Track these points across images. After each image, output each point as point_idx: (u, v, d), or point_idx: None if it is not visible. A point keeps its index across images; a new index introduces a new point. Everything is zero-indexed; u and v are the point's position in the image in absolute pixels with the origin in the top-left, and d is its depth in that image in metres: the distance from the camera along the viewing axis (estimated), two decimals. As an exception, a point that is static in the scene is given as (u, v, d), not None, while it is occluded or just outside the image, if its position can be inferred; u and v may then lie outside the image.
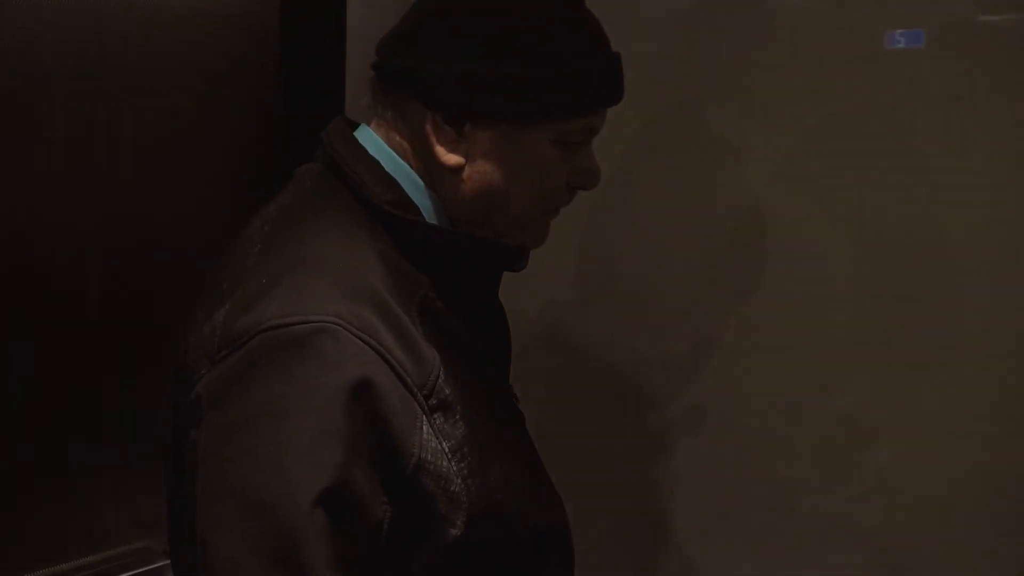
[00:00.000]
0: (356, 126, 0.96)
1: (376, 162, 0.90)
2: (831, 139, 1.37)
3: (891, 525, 1.38)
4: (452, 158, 0.89)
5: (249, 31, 1.60)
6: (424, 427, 0.80)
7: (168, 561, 1.58)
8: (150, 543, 1.61)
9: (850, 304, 1.38)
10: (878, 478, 1.38)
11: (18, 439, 1.43)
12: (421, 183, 0.92)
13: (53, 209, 1.42)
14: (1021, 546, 1.28)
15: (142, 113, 1.49)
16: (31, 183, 1.39)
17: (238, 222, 0.98)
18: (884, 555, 1.39)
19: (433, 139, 0.88)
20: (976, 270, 1.28)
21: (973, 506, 1.31)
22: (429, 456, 0.79)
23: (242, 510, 0.73)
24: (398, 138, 0.92)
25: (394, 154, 0.91)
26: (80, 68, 1.41)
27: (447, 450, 0.81)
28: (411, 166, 0.92)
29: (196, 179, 1.59)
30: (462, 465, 0.82)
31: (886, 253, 1.35)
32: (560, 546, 0.99)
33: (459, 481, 0.81)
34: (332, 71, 1.62)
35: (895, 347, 1.36)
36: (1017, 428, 1.27)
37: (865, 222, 1.35)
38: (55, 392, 1.47)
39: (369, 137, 0.93)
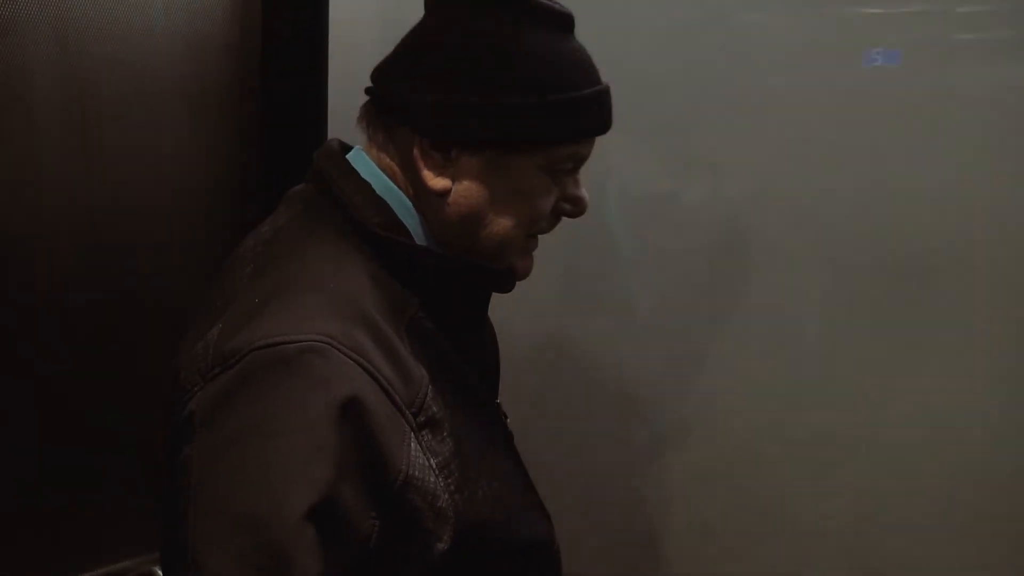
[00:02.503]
0: (348, 149, 0.97)
1: (367, 184, 0.91)
2: (809, 155, 1.39)
3: (871, 536, 1.40)
4: (439, 182, 0.90)
5: (233, 59, 1.63)
6: (412, 444, 0.81)
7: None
8: (142, 560, 1.62)
9: (827, 317, 1.41)
10: (859, 489, 1.40)
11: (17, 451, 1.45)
12: (410, 205, 0.93)
13: (41, 222, 1.44)
14: (997, 556, 1.30)
15: (131, 132, 1.51)
16: (23, 196, 1.41)
17: (221, 241, 0.99)
18: (864, 565, 1.41)
19: (421, 163, 0.89)
20: (951, 283, 1.30)
21: (951, 517, 1.33)
22: (416, 472, 0.80)
23: (233, 526, 0.74)
24: (388, 160, 0.93)
25: (384, 176, 0.92)
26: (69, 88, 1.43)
27: (434, 466, 0.82)
28: (400, 188, 0.93)
29: (180, 198, 1.60)
30: (449, 481, 0.83)
31: (862, 267, 1.37)
32: (546, 560, 1.01)
33: (446, 497, 0.83)
34: (313, 95, 1.65)
35: (872, 360, 1.38)
36: (994, 439, 1.30)
37: (843, 237, 1.38)
38: (46, 408, 1.48)
39: (360, 159, 0.94)
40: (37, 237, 1.43)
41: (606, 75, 0.94)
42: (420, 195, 0.92)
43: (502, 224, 0.92)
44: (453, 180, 0.90)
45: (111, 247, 1.51)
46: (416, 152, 0.89)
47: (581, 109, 0.90)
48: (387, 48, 0.96)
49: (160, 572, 1.60)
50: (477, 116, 0.87)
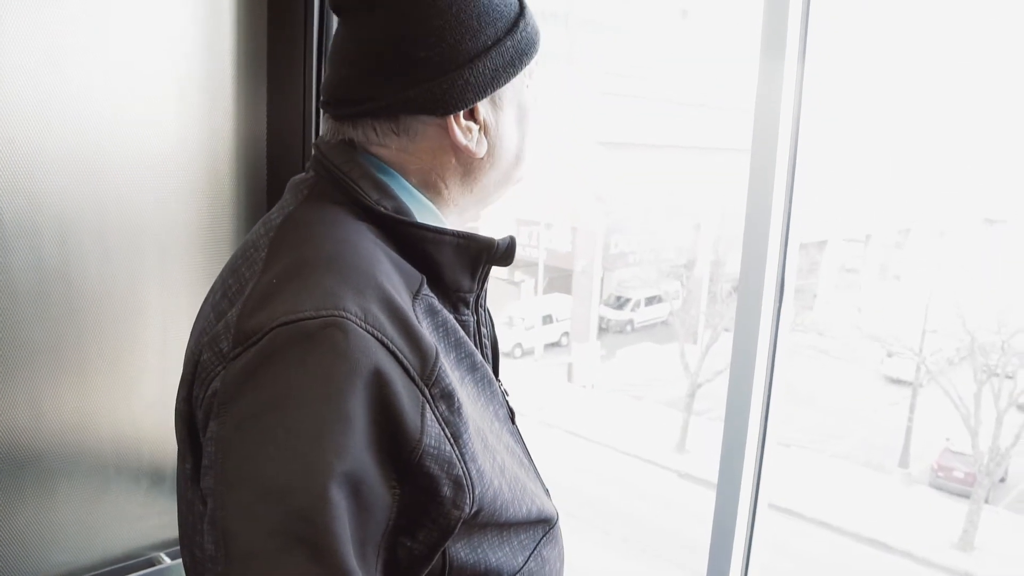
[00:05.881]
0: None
1: (368, 168, 0.95)
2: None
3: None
4: (484, 145, 0.97)
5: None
6: (428, 414, 0.83)
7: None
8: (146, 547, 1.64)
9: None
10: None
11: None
12: (410, 187, 0.97)
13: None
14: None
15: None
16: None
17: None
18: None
19: (462, 141, 0.95)
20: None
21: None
22: (433, 441, 0.83)
23: (262, 496, 0.76)
24: (412, 149, 0.97)
25: (382, 164, 0.97)
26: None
27: (449, 436, 0.84)
28: (412, 175, 0.97)
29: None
30: (463, 451, 0.86)
31: None
32: (551, 534, 1.04)
33: (461, 465, 0.85)
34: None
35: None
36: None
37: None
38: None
39: (358, 149, 0.98)
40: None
41: None
42: (460, 173, 0.99)
43: (526, 141, 1.03)
44: (490, 138, 0.98)
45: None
46: (454, 133, 0.95)
47: (530, 22, 1.00)
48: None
49: (164, 557, 1.63)
50: (486, 70, 0.94)
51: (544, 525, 1.02)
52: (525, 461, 1.04)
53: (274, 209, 0.99)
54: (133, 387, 1.59)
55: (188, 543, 0.98)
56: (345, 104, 0.97)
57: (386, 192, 0.95)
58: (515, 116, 1.00)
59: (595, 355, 13.81)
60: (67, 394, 1.51)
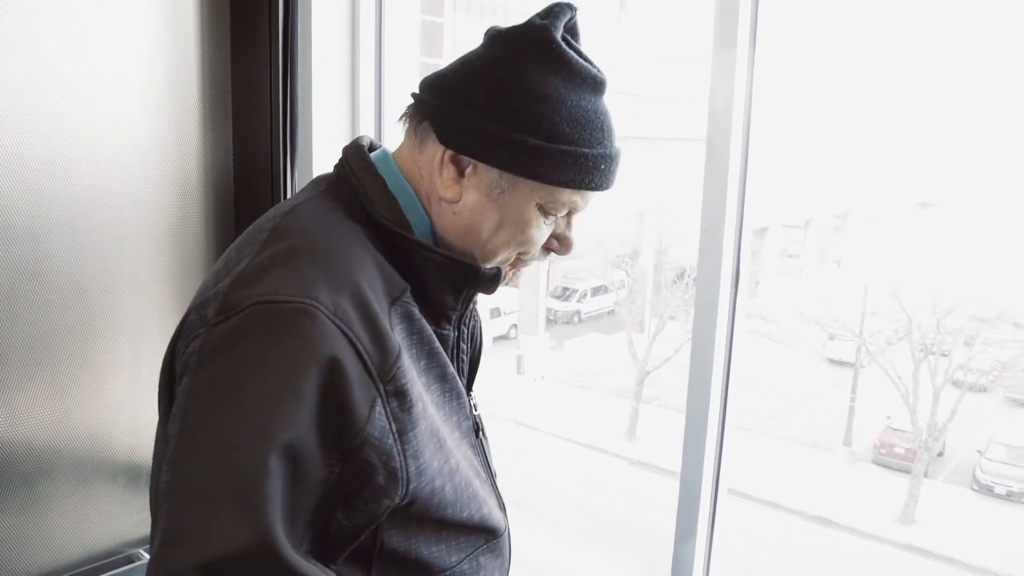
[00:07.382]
0: (374, 148, 1.07)
1: (382, 179, 1.03)
2: None
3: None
4: (449, 192, 1.02)
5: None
6: (378, 407, 0.91)
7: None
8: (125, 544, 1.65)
9: None
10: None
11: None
12: (419, 204, 1.04)
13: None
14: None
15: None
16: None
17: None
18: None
19: (439, 171, 1.01)
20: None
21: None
22: (376, 433, 0.91)
23: (214, 448, 0.85)
24: (412, 163, 1.04)
25: (400, 176, 1.04)
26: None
27: (395, 431, 0.92)
28: (416, 187, 1.04)
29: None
30: (405, 447, 0.93)
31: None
32: (495, 545, 1.10)
33: (400, 460, 0.93)
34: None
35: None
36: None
37: None
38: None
39: (383, 159, 1.05)
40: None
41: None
42: (432, 197, 1.03)
43: (494, 242, 1.04)
44: (462, 194, 1.02)
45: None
46: (437, 160, 1.01)
47: (586, 165, 1.00)
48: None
49: (143, 553, 1.64)
50: (495, 144, 0.98)
51: (487, 535, 1.09)
52: (483, 473, 1.11)
53: (288, 198, 1.08)
54: (106, 385, 1.61)
55: (156, 478, 1.03)
56: (419, 87, 1.05)
57: (391, 204, 1.01)
58: (500, 216, 1.02)
59: (544, 347, 13.91)
60: (41, 394, 1.52)
